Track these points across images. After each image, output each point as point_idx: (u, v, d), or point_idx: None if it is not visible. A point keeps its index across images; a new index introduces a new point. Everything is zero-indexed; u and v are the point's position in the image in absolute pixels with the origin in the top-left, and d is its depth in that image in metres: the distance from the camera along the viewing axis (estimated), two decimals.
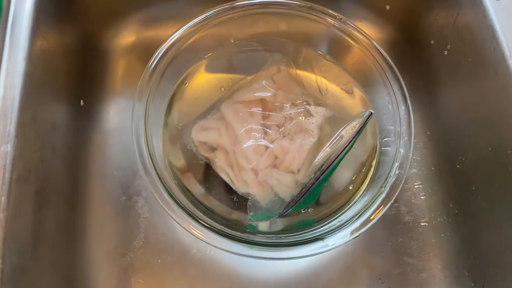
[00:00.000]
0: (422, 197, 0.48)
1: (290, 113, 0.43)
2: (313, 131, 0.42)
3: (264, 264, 0.45)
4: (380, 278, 0.44)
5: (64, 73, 0.44)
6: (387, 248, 0.46)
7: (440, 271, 0.45)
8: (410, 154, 0.39)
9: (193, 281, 0.44)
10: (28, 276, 0.33)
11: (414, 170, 0.49)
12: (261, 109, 0.43)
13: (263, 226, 0.41)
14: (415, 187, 0.48)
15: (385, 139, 0.43)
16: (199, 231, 0.36)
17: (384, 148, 0.43)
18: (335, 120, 0.44)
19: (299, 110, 0.43)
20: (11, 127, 0.33)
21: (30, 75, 0.36)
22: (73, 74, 0.46)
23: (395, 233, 0.46)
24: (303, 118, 0.42)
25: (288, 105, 0.43)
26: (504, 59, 0.37)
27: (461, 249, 0.45)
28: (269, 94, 0.43)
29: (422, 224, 0.46)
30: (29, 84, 0.36)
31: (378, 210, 0.37)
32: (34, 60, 0.37)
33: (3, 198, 0.31)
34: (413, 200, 0.48)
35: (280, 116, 0.42)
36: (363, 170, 0.43)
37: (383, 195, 0.38)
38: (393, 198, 0.37)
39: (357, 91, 0.46)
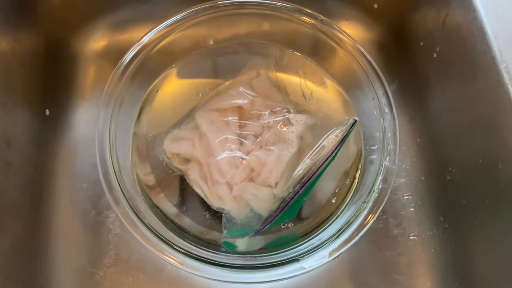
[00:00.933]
0: (411, 209, 0.45)
1: (268, 122, 0.40)
2: (292, 141, 0.39)
3: None
4: None
5: (24, 81, 0.41)
6: (374, 264, 0.43)
7: None
8: (395, 167, 0.36)
9: None
10: None
11: (403, 179, 0.46)
12: (237, 117, 0.40)
13: (241, 244, 0.38)
14: (404, 198, 0.45)
15: (371, 147, 0.41)
16: (169, 254, 0.34)
17: (370, 157, 0.41)
18: (318, 128, 0.41)
19: (278, 119, 0.40)
20: None
21: None
22: (36, 82, 0.43)
23: (382, 247, 0.44)
24: (282, 127, 0.40)
25: (266, 113, 0.41)
26: (495, 63, 0.34)
27: (452, 266, 0.42)
28: (246, 101, 0.41)
29: (411, 238, 0.44)
30: None
31: (359, 229, 0.34)
32: None
33: None
34: (402, 212, 0.45)
35: (257, 125, 0.40)
36: (347, 182, 0.40)
37: (366, 212, 0.35)
38: (375, 216, 0.34)
39: (343, 96, 0.44)
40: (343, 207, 0.39)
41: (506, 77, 0.34)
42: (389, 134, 0.38)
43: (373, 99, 0.40)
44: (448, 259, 0.42)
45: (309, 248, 0.35)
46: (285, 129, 0.40)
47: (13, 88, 0.39)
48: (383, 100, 0.39)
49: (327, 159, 0.39)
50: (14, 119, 0.40)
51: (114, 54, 0.50)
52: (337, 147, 0.39)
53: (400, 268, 0.43)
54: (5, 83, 0.38)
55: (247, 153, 0.39)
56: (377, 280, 0.43)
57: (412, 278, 0.43)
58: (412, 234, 0.44)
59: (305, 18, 0.42)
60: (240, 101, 0.41)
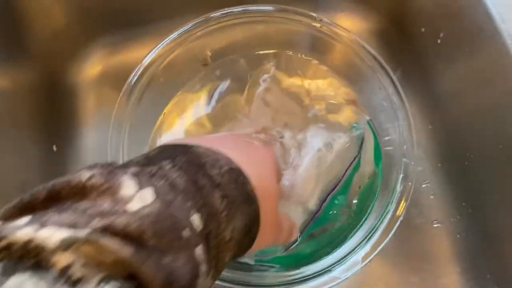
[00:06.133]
0: (431, 197, 0.45)
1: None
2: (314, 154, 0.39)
3: None
4: None
5: (29, 118, 0.40)
6: (400, 256, 0.43)
7: (460, 275, 0.42)
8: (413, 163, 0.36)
9: None
10: None
11: (420, 168, 0.46)
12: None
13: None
14: (423, 186, 0.45)
15: (387, 138, 0.40)
16: None
17: (387, 149, 0.40)
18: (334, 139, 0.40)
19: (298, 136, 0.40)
20: None
21: None
22: (39, 118, 0.42)
23: (406, 237, 0.43)
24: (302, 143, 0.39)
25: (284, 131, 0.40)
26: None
27: (481, 250, 0.42)
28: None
29: (434, 226, 0.44)
30: None
31: (388, 229, 0.34)
32: None
33: None
34: (422, 201, 0.45)
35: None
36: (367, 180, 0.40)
37: (390, 214, 0.35)
38: (402, 215, 0.34)
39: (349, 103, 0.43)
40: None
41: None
42: (404, 132, 0.37)
43: (380, 88, 0.39)
44: (477, 244, 0.42)
45: (340, 257, 0.34)
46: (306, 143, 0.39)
47: (20, 126, 0.38)
48: (391, 88, 0.38)
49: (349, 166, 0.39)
50: (25, 159, 0.39)
51: (112, 79, 0.49)
52: (356, 156, 0.39)
53: (427, 256, 0.43)
54: (11, 121, 0.37)
55: None
56: (406, 272, 0.43)
57: (440, 265, 0.43)
58: (435, 221, 0.44)
59: (304, 20, 0.41)
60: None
